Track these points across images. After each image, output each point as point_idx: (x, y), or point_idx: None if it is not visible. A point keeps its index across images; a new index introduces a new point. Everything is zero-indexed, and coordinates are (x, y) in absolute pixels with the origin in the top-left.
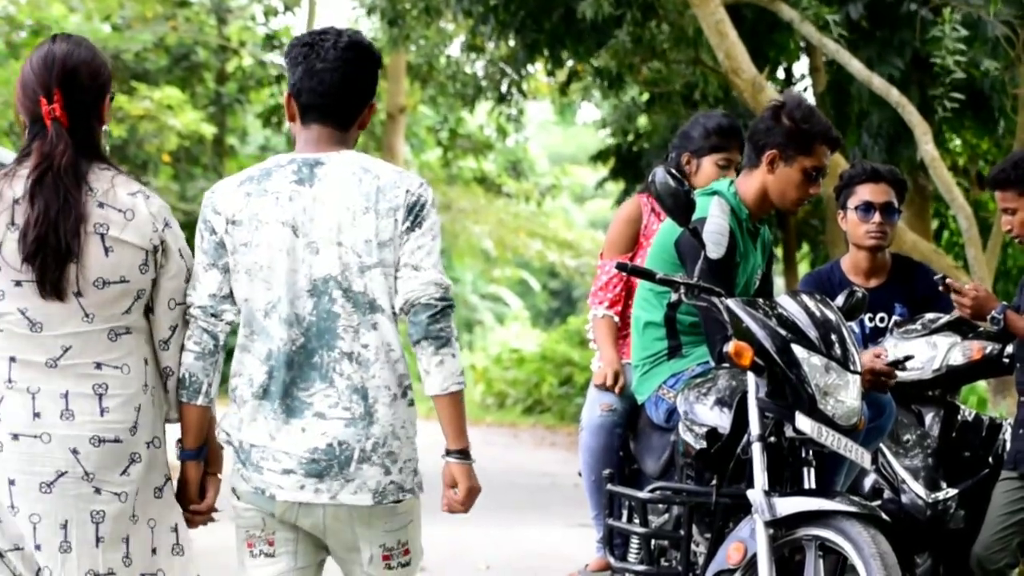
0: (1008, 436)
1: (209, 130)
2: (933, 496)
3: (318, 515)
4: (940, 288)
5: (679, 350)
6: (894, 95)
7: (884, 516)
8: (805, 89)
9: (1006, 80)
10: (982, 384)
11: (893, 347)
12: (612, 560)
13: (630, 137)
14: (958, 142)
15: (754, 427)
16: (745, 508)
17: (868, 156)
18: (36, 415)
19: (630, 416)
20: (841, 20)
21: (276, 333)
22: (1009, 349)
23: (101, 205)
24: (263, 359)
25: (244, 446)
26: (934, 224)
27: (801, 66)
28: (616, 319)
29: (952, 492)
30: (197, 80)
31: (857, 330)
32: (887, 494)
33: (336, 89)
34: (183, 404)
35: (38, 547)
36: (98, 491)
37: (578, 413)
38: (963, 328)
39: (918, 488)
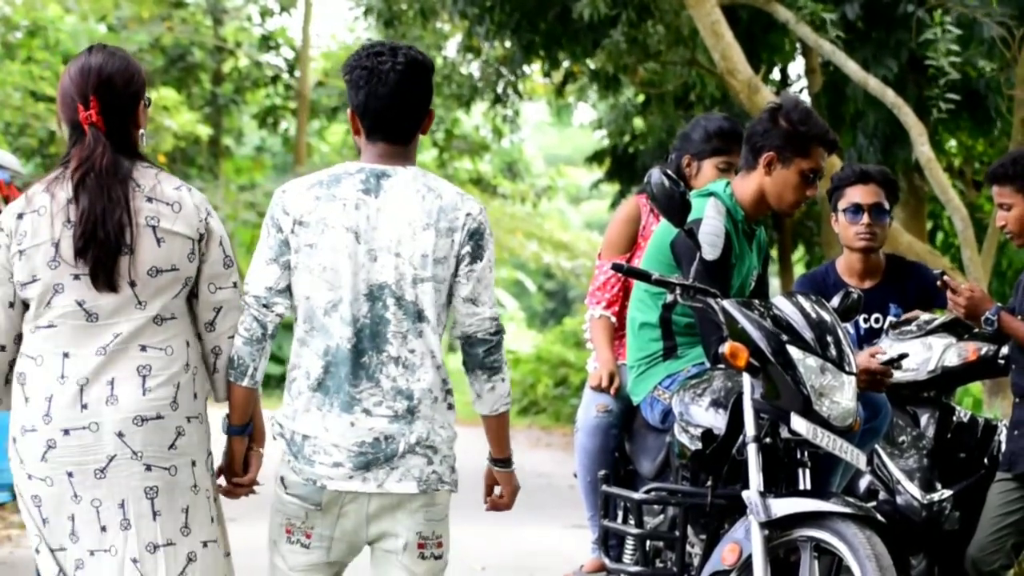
0: (1003, 438)
1: (205, 131)
2: (928, 497)
3: (363, 503)
4: (938, 284)
5: (675, 351)
6: (890, 96)
7: (879, 517)
8: (801, 90)
9: (1002, 81)
10: (977, 385)
11: (888, 348)
12: (607, 561)
13: (626, 138)
14: (953, 143)
15: (749, 428)
16: (740, 509)
17: (864, 157)
18: (84, 407)
19: (626, 417)
20: (837, 21)
21: (336, 331)
22: (1004, 351)
23: (150, 200)
24: (321, 354)
25: (296, 438)
26: (929, 225)
27: (797, 67)
28: (613, 319)
29: (947, 493)
30: (193, 81)
31: (852, 331)
32: (882, 495)
33: (399, 111)
34: (231, 384)
35: (103, 528)
36: (148, 468)
37: (573, 414)
38: (958, 329)
39: (913, 489)
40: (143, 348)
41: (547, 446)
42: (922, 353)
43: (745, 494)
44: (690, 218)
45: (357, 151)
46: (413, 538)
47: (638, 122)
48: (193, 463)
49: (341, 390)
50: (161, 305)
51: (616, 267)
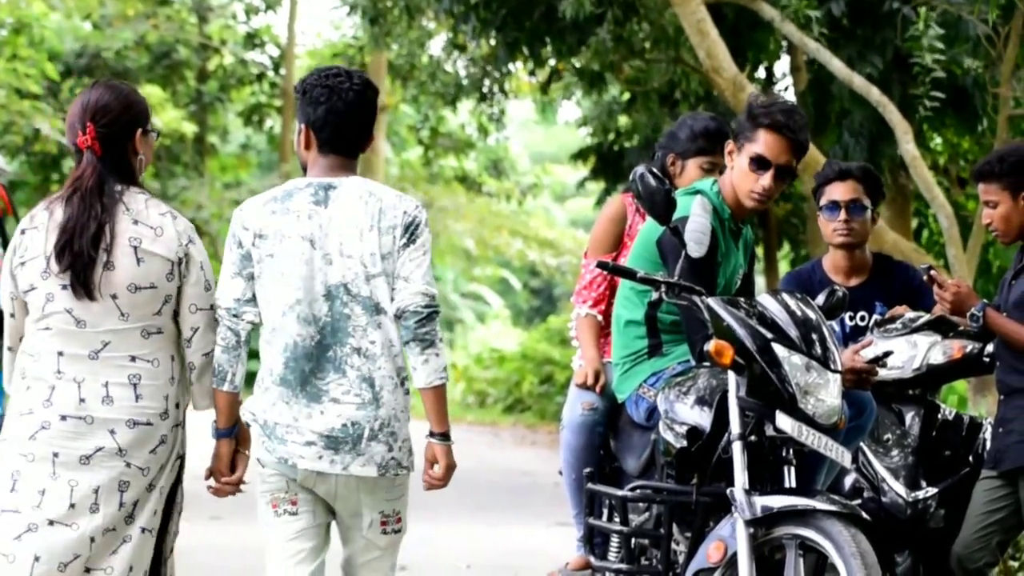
0: (988, 435)
1: (190, 128)
2: (913, 495)
3: (331, 483)
4: (925, 278)
5: (660, 348)
6: (875, 94)
7: (864, 515)
8: (786, 88)
9: (987, 79)
10: (962, 383)
11: (874, 346)
12: (592, 559)
13: (611, 136)
14: (939, 141)
15: (735, 426)
16: (725, 507)
17: (849, 155)
18: (82, 400)
19: (611, 415)
20: (822, 18)
21: (292, 330)
22: (989, 348)
23: (136, 222)
24: (280, 351)
25: (269, 423)
26: (915, 223)
27: (782, 65)
28: (599, 318)
29: (932, 491)
30: (178, 78)
31: (838, 329)
32: (867, 493)
33: (354, 126)
34: (215, 390)
35: (72, 506)
36: (128, 465)
37: (559, 412)
38: (944, 327)
39: (898, 487)
40: (133, 359)
41: (532, 444)
42: (907, 351)
43: (730, 492)
44: (676, 216)
45: (302, 167)
46: (376, 516)
47: (623, 120)
48: (161, 467)
49: (307, 383)
50: (144, 319)
51: (601, 265)
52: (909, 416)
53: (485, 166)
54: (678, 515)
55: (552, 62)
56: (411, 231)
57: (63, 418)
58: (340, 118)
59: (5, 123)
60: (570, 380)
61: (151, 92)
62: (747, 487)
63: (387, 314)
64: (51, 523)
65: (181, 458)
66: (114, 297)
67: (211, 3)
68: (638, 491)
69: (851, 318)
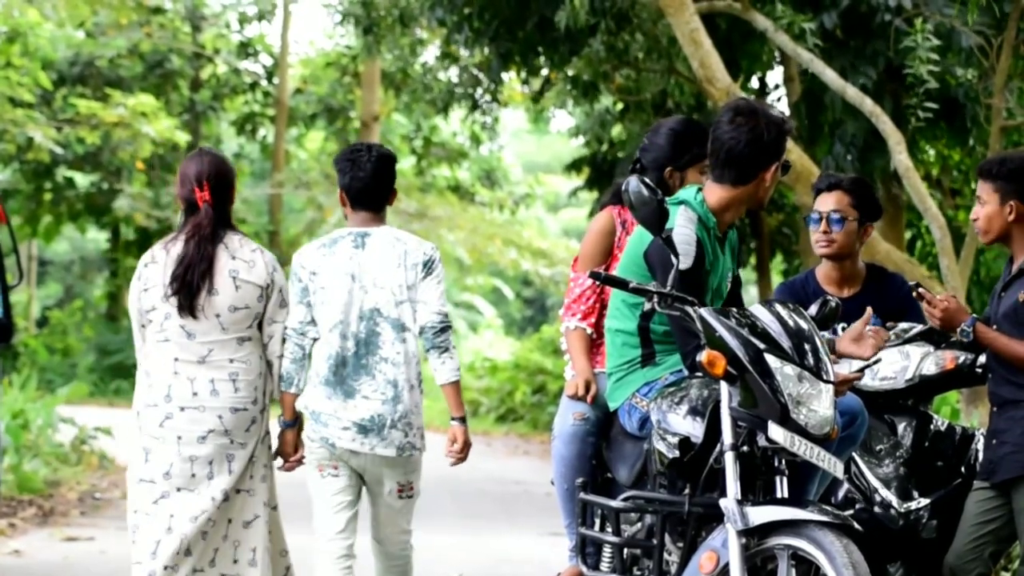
0: (980, 446)
1: (183, 137)
2: (905, 506)
3: (362, 459)
4: (914, 295)
5: (652, 358)
6: (868, 104)
7: (856, 526)
8: (779, 99)
9: (979, 90)
10: (954, 394)
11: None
12: (584, 569)
13: (604, 146)
14: (932, 153)
15: (727, 436)
16: (718, 517)
17: (841, 166)
18: (195, 394)
19: (603, 425)
20: (815, 30)
21: (335, 343)
22: (982, 359)
23: (233, 258)
24: (325, 359)
25: (316, 412)
26: (908, 234)
27: (775, 75)
28: (589, 331)
29: (924, 502)
30: (171, 87)
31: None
32: (859, 503)
33: (374, 190)
34: (282, 391)
35: (193, 475)
36: (232, 442)
37: (551, 422)
38: (936, 338)
39: (890, 498)
40: (231, 360)
41: (525, 454)
42: (900, 361)
43: (723, 502)
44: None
45: (345, 217)
46: (394, 485)
47: (616, 130)
48: (255, 441)
49: (344, 383)
50: (240, 331)
51: (594, 275)
52: (901, 427)
53: (478, 176)
54: (670, 525)
55: (545, 72)
56: (428, 267)
57: (182, 409)
58: (362, 183)
59: None
60: (562, 390)
61: (145, 101)
62: (739, 497)
63: (410, 331)
64: (179, 489)
65: (268, 433)
66: (217, 316)
67: (204, 12)
68: (630, 501)
69: (844, 329)
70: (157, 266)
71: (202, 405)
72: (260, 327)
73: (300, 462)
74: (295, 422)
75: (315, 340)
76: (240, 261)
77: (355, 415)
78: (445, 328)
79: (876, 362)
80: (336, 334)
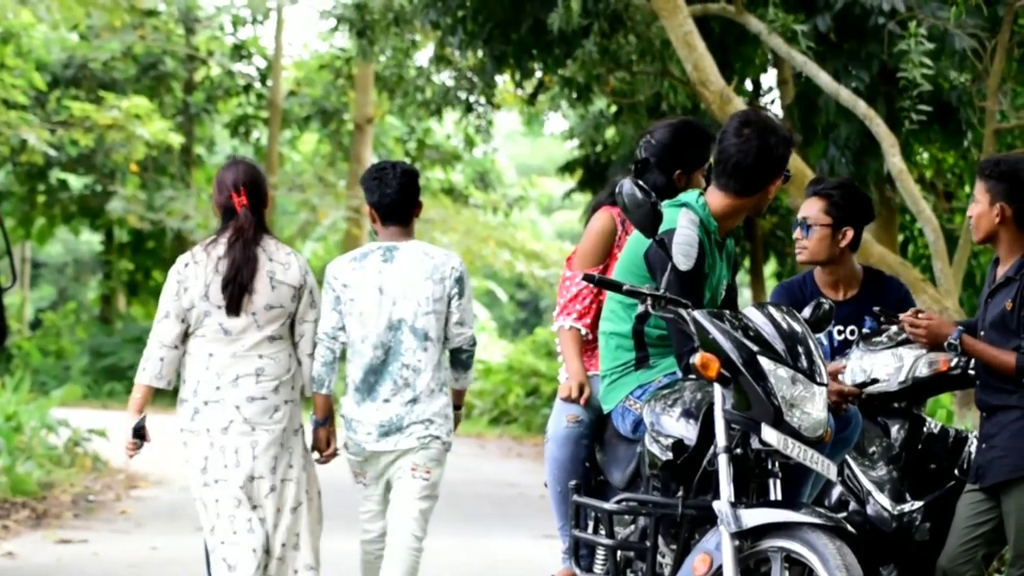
0: (973, 449)
1: (177, 140)
2: (898, 508)
3: (385, 457)
4: (879, 322)
5: (646, 361)
6: (861, 107)
7: (849, 528)
8: (772, 101)
9: (973, 93)
10: (948, 397)
11: (859, 359)
12: (578, 571)
13: (598, 148)
14: (925, 156)
15: (720, 439)
16: (711, 520)
17: (835, 169)
18: (217, 388)
19: (597, 427)
20: (809, 32)
21: (367, 353)
22: (975, 361)
23: (271, 260)
24: (359, 368)
25: (348, 417)
26: (901, 237)
27: (769, 78)
28: (584, 331)
29: (917, 504)
30: (165, 89)
31: (825, 342)
32: (853, 506)
33: (400, 205)
34: (315, 392)
35: (225, 466)
36: (254, 429)
37: (544, 424)
38: None
39: (884, 500)
40: (260, 356)
41: (518, 456)
42: (893, 364)
43: (716, 505)
44: (663, 228)
45: (375, 232)
46: (409, 465)
47: (610, 132)
48: (294, 431)
49: (372, 389)
50: (272, 329)
51: (587, 278)
52: (895, 429)
53: (472, 178)
54: (664, 528)
55: (539, 74)
56: (460, 284)
57: (206, 403)
58: (390, 199)
59: None
60: (556, 392)
61: (138, 103)
62: (733, 500)
63: (432, 340)
64: (216, 482)
65: (301, 427)
66: (253, 314)
67: (198, 14)
68: (624, 503)
69: (840, 332)
70: (198, 267)
71: (223, 399)
72: (292, 327)
73: (335, 454)
74: (326, 421)
75: (343, 345)
76: (276, 263)
77: (376, 418)
78: (472, 350)
79: (875, 382)
80: (368, 345)
